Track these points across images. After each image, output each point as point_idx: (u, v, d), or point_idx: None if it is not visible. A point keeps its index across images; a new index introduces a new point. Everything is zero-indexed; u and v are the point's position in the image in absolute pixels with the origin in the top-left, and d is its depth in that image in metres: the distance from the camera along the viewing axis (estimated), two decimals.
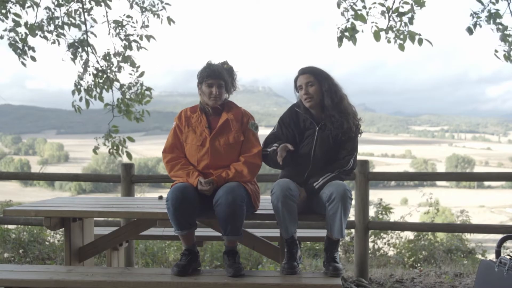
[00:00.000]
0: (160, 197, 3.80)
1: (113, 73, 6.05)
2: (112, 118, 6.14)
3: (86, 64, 5.98)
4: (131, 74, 6.08)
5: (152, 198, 4.00)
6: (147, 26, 6.01)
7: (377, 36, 4.59)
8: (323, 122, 3.07)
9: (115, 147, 6.09)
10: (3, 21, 5.67)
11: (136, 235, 3.80)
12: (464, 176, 8.07)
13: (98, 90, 6.09)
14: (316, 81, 3.07)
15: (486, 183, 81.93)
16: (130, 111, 6.16)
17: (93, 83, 6.08)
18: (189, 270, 2.93)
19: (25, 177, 6.51)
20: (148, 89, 6.16)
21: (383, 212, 6.48)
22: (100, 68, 6.02)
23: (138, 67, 6.06)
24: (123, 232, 3.50)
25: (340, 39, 4.70)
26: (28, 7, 5.69)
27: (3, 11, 5.60)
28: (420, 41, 4.54)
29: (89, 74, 6.10)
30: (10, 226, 5.91)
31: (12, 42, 5.76)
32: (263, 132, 3.45)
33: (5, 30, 5.78)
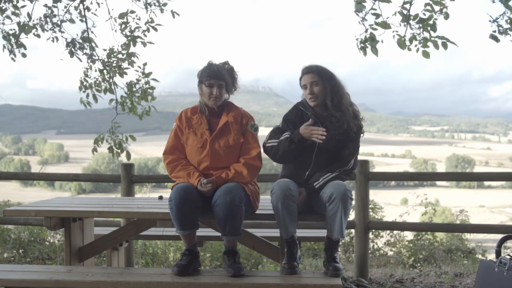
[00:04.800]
0: (160, 197, 3.79)
1: (121, 69, 5.99)
2: (115, 116, 6.09)
3: (91, 59, 5.93)
4: (137, 71, 6.04)
5: (152, 198, 3.99)
6: (152, 22, 5.96)
7: (402, 44, 4.50)
8: (327, 122, 3.05)
9: (116, 146, 5.97)
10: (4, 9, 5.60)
11: (136, 235, 3.79)
12: (464, 176, 8.07)
13: (107, 85, 6.04)
14: (320, 81, 3.06)
15: (486, 183, 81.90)
16: (134, 107, 6.11)
17: (100, 78, 6.04)
18: (189, 270, 2.92)
19: (25, 177, 6.51)
20: (151, 88, 6.11)
21: (372, 211, 6.50)
22: (106, 62, 5.96)
23: (145, 64, 6.02)
24: (123, 232, 3.50)
25: (363, 49, 4.64)
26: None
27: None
28: (445, 45, 4.46)
29: (95, 70, 6.06)
30: (10, 226, 5.90)
31: (5, 35, 5.70)
32: (264, 133, 3.44)
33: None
